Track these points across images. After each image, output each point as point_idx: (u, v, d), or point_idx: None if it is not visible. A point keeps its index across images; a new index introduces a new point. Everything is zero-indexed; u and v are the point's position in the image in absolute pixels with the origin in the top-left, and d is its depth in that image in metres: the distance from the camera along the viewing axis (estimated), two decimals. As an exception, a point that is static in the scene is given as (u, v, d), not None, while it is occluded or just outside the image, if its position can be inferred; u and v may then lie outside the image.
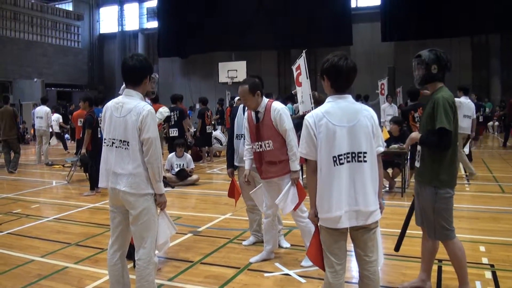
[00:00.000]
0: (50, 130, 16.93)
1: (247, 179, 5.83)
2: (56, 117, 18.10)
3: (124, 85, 5.33)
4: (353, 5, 26.94)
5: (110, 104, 4.15)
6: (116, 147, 4.01)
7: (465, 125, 10.80)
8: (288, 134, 5.24)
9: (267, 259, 5.69)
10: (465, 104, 10.89)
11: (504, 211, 7.74)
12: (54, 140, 17.64)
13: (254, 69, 28.37)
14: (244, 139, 5.88)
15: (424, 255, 4.62)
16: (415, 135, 4.34)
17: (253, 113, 5.49)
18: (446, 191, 4.18)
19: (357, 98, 18.23)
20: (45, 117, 15.82)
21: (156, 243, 4.12)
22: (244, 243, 6.37)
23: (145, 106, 3.98)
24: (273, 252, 5.78)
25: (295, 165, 5.27)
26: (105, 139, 4.13)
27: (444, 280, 4.91)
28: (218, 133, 16.88)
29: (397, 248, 4.61)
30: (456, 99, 10.79)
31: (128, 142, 3.95)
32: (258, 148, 5.43)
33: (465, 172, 11.31)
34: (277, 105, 5.39)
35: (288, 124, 5.26)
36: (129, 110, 3.96)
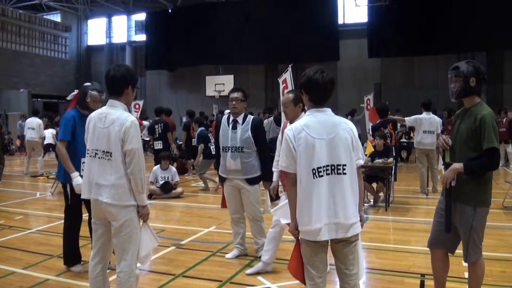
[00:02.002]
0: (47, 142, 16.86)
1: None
2: (52, 131, 17.95)
3: (75, 92, 5.37)
4: (340, 21, 27.09)
5: (94, 114, 4.15)
6: (99, 158, 4.00)
7: (427, 140, 10.97)
8: None
9: (264, 271, 5.67)
10: (425, 119, 11.07)
11: (490, 227, 7.78)
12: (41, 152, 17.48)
13: (242, 83, 28.36)
14: (231, 151, 6.01)
15: (440, 274, 4.50)
16: (458, 166, 4.03)
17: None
18: (484, 210, 4.11)
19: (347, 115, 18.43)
20: (37, 128, 15.56)
21: (138, 255, 4.10)
22: (227, 256, 6.37)
23: (129, 117, 3.98)
24: (270, 264, 5.75)
25: None
26: (88, 150, 4.12)
27: (425, 295, 4.95)
28: (204, 146, 16.81)
29: (448, 229, 4.21)
30: (417, 116, 11.08)
31: (111, 153, 3.94)
32: None
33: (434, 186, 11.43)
34: None
35: None
36: (112, 121, 3.96)
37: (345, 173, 3.40)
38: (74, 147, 5.59)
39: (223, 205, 6.48)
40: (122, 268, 3.98)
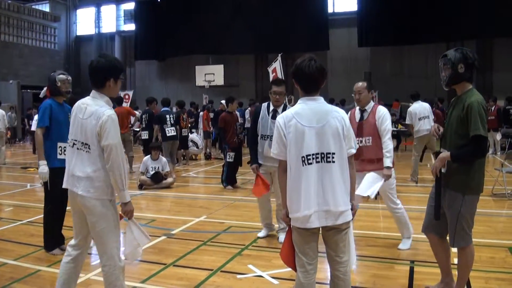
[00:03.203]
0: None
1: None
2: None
3: (45, 88, 5.39)
4: (330, 10, 27.10)
5: (77, 104, 4.04)
6: (77, 148, 3.90)
7: (426, 126, 11.09)
8: (387, 133, 5.85)
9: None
10: (417, 108, 11.28)
11: (479, 214, 7.82)
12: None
13: (232, 73, 28.37)
14: (270, 140, 6.16)
15: (440, 258, 4.54)
16: (445, 155, 4.08)
17: (357, 112, 6.06)
18: (473, 197, 4.12)
19: (330, 102, 18.43)
20: (1, 119, 16.47)
21: (124, 250, 4.06)
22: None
23: (106, 110, 3.83)
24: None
25: (389, 162, 5.76)
26: (68, 139, 4.03)
27: (416, 281, 4.98)
28: (194, 136, 16.82)
29: (437, 217, 4.27)
30: (409, 111, 11.28)
31: (89, 145, 3.84)
32: (358, 143, 5.72)
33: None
34: (382, 108, 6.09)
35: (388, 125, 5.87)
36: (91, 114, 3.84)
37: (333, 161, 3.41)
38: (50, 133, 5.95)
39: (259, 193, 6.55)
40: (104, 262, 3.90)
